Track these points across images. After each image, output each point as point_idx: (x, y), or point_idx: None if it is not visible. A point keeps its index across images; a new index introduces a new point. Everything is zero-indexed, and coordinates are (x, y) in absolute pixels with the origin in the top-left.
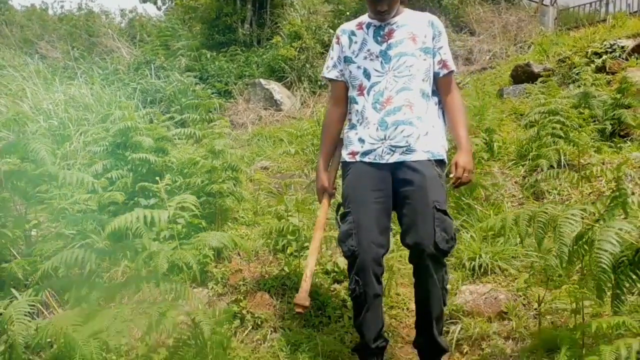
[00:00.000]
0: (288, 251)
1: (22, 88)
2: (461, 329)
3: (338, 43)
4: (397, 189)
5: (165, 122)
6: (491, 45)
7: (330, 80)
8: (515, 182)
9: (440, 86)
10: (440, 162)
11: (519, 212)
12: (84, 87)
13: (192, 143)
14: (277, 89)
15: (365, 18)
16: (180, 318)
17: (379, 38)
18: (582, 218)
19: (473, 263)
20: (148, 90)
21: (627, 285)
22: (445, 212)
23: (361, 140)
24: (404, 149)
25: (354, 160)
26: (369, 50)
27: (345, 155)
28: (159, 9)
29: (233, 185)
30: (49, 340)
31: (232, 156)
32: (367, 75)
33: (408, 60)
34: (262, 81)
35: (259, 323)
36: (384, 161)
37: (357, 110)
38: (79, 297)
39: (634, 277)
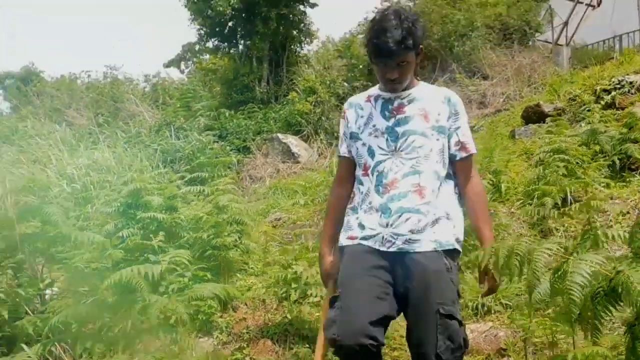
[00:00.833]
0: (291, 298)
1: (48, 155)
2: None
3: (344, 118)
4: (398, 282)
5: (176, 182)
6: (505, 87)
7: (340, 157)
8: (524, 222)
9: (459, 170)
10: (451, 252)
11: (497, 247)
12: (106, 150)
13: (203, 199)
14: (294, 142)
15: (375, 90)
16: None
17: (386, 112)
18: (562, 251)
19: (476, 303)
20: (168, 150)
21: (604, 315)
22: (451, 316)
23: (361, 226)
24: (407, 237)
25: (353, 243)
26: (374, 125)
27: (343, 239)
28: (182, 72)
29: (238, 238)
30: None
31: (237, 210)
32: (371, 153)
33: (417, 140)
34: (280, 135)
35: None
36: (384, 248)
37: (362, 192)
38: (86, 350)
39: (610, 307)
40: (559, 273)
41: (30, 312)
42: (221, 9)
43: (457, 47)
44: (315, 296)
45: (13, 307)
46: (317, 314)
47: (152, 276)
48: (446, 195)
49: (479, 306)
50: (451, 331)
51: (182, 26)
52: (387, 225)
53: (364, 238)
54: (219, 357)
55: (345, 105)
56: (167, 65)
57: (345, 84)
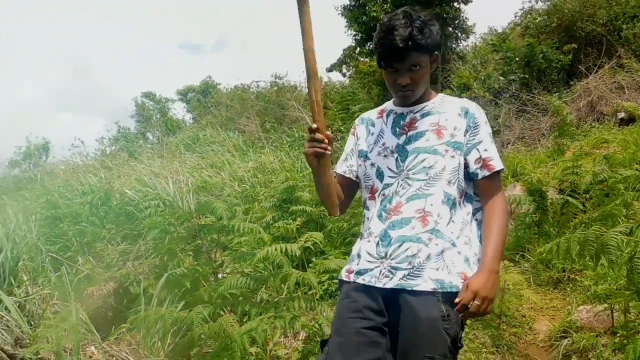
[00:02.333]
0: None
1: (222, 160)
2: (573, 342)
3: (353, 134)
4: (392, 324)
5: None
6: None
7: (336, 174)
8: None
9: (481, 191)
10: (453, 296)
11: (570, 236)
12: (271, 154)
13: None
14: None
15: (389, 104)
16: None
17: (397, 129)
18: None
19: (595, 288)
20: None
21: None
22: None
23: (358, 256)
24: (406, 272)
25: (349, 280)
26: (384, 144)
27: (342, 272)
28: (343, 75)
29: None
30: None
31: None
32: (380, 175)
33: (428, 159)
34: None
35: None
36: (380, 285)
37: (367, 218)
38: (245, 312)
39: None
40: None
41: (204, 284)
42: (375, 14)
43: (625, 30)
44: None
45: (193, 281)
46: None
47: (297, 256)
48: (460, 221)
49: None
50: None
51: (342, 31)
52: (385, 255)
53: (359, 273)
54: None
55: (357, 121)
56: (330, 69)
57: (501, 77)
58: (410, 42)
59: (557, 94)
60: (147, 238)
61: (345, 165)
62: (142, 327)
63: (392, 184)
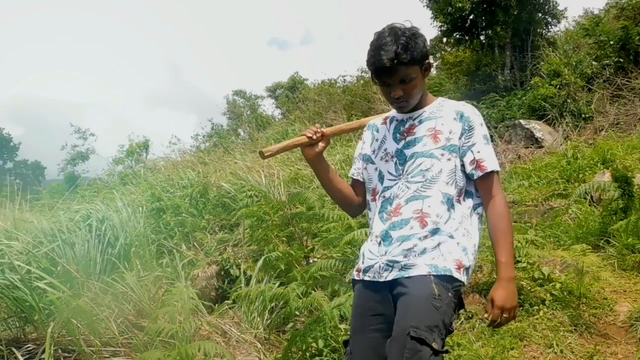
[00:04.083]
0: None
1: None
2: None
3: (362, 139)
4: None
5: None
6: None
7: (351, 178)
8: None
9: (480, 190)
10: (446, 279)
11: None
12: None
13: None
14: (537, 127)
15: (393, 112)
16: None
17: (397, 135)
18: None
19: None
20: None
21: None
22: (423, 341)
23: (363, 256)
24: (403, 263)
25: (359, 279)
26: (385, 149)
27: (353, 272)
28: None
29: None
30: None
31: None
32: (381, 178)
33: (425, 162)
34: (522, 121)
35: (470, 316)
36: (382, 279)
37: (370, 219)
38: (334, 290)
39: None
40: None
41: (297, 267)
42: (461, 4)
43: None
44: (522, 262)
45: (287, 264)
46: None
47: None
48: (459, 216)
49: None
50: (419, 357)
51: (428, 22)
52: (385, 253)
53: (365, 271)
54: None
55: (365, 127)
56: None
57: (594, 62)
58: (396, 60)
59: None
60: (243, 226)
61: (354, 169)
62: (243, 304)
63: (392, 187)
